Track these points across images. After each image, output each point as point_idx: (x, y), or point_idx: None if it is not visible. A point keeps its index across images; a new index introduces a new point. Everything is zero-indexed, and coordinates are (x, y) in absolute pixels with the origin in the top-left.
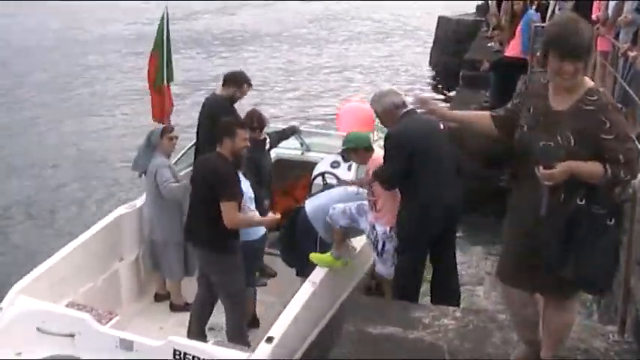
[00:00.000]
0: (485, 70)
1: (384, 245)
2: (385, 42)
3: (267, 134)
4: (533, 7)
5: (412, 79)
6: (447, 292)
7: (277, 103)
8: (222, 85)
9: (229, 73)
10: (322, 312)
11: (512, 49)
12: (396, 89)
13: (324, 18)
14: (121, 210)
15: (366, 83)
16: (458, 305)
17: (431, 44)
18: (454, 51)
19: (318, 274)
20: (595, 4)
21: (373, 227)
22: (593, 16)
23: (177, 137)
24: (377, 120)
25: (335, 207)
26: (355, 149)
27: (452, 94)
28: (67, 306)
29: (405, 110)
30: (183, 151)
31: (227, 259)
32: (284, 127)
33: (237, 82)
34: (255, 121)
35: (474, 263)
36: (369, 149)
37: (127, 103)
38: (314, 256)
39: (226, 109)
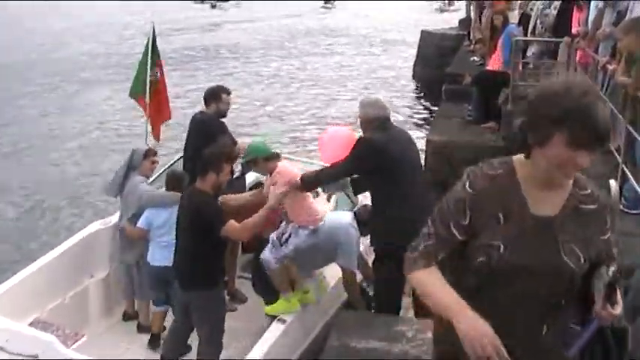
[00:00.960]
0: (468, 84)
1: (289, 237)
2: (368, 55)
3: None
4: (515, 20)
5: (396, 92)
6: None
7: (262, 122)
8: (205, 104)
9: (206, 91)
10: (293, 351)
11: (494, 63)
12: (384, 102)
13: (306, 33)
14: (95, 226)
15: (348, 97)
16: None
17: (414, 58)
18: (437, 65)
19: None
20: (575, 17)
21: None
22: (574, 30)
23: (157, 162)
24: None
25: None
26: (255, 160)
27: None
28: (32, 323)
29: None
30: (165, 167)
31: (210, 296)
32: None
33: (214, 95)
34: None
35: None
36: (269, 158)
37: (104, 120)
38: (268, 310)
39: (216, 125)
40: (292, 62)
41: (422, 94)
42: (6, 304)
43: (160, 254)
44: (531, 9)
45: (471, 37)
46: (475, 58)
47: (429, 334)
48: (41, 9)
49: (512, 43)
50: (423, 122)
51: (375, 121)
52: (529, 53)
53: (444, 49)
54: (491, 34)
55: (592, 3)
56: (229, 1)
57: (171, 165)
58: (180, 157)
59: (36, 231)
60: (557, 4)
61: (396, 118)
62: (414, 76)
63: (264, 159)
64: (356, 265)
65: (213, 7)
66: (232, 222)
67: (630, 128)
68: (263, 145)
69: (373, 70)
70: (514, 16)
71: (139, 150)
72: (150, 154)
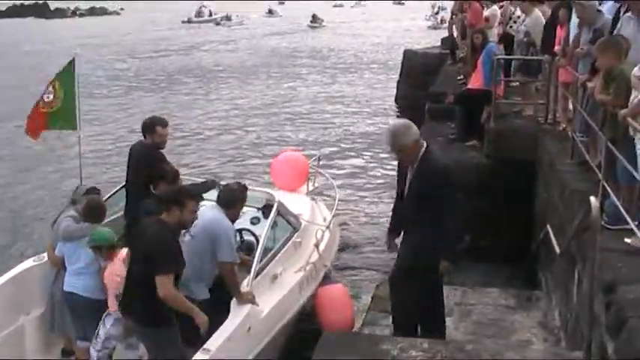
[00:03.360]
0: (450, 103)
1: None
2: (350, 75)
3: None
4: (494, 38)
5: (378, 111)
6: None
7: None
8: (143, 136)
9: (143, 123)
10: None
11: (475, 82)
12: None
13: (289, 53)
14: (29, 262)
15: (330, 118)
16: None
17: (397, 77)
18: (420, 84)
19: (214, 342)
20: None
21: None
22: (556, 48)
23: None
24: (311, 170)
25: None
26: (99, 247)
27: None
28: None
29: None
30: (109, 195)
31: (163, 333)
32: (203, 179)
33: (148, 129)
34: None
35: (445, 294)
36: (112, 248)
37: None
38: None
39: (154, 156)
40: (266, 85)
41: (405, 113)
42: None
43: (69, 280)
44: (511, 26)
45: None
46: (460, 77)
47: (414, 353)
48: None
49: (492, 61)
50: None
51: (420, 141)
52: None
53: (426, 67)
54: (471, 52)
55: (572, 21)
56: (233, 20)
57: (114, 194)
58: (122, 187)
59: None
60: (528, 21)
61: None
62: (396, 95)
63: (107, 248)
64: (236, 256)
65: (218, 24)
66: (169, 278)
67: (610, 145)
68: (109, 234)
69: (355, 89)
70: (493, 34)
71: (81, 188)
72: (92, 192)
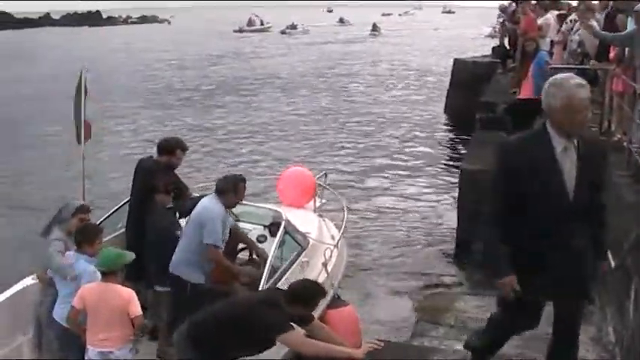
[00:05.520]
0: (502, 113)
1: None
2: (399, 86)
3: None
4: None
5: (428, 122)
6: None
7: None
8: (157, 153)
9: (162, 142)
10: None
11: (525, 91)
12: None
13: (343, 61)
14: (28, 281)
15: (378, 129)
16: None
17: (447, 87)
18: (470, 93)
19: None
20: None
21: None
22: (611, 55)
23: (88, 219)
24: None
25: None
26: (113, 272)
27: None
28: None
29: None
30: (114, 209)
31: None
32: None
33: (169, 150)
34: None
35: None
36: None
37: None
38: None
39: (162, 174)
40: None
41: (455, 123)
42: None
43: (58, 310)
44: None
45: (507, 64)
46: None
47: None
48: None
49: (543, 70)
50: (456, 151)
51: None
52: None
53: (477, 77)
54: (522, 61)
55: (628, 28)
56: (298, 29)
57: (118, 209)
58: (127, 202)
59: None
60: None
61: (430, 146)
62: (446, 105)
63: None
64: (219, 240)
65: (283, 32)
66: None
67: None
68: (117, 257)
69: (404, 99)
70: (546, 43)
71: (70, 205)
72: (82, 210)
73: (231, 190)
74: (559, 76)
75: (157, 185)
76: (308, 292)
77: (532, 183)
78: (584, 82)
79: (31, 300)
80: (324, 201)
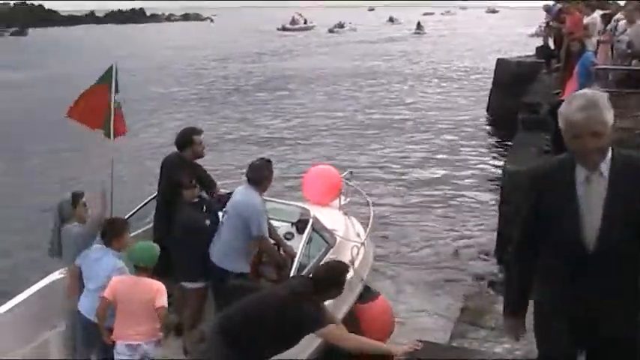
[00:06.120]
0: (545, 114)
1: None
2: (441, 85)
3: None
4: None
5: (470, 122)
6: None
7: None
8: (178, 149)
9: (177, 137)
10: None
11: (569, 92)
12: None
13: (384, 60)
14: (55, 275)
15: (417, 127)
16: None
17: (489, 87)
18: (513, 93)
19: None
20: None
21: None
22: None
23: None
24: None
25: None
26: (145, 268)
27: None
28: None
29: None
30: (141, 205)
31: None
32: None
33: (186, 141)
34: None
35: None
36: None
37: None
38: None
39: (187, 168)
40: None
41: (497, 123)
42: None
43: (84, 303)
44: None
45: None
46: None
47: None
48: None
49: (588, 71)
50: (498, 152)
51: None
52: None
53: (520, 77)
54: (567, 61)
55: None
56: (346, 26)
57: (145, 204)
58: (154, 197)
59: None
60: (630, 30)
61: (471, 146)
62: (488, 106)
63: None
64: (265, 230)
65: (331, 31)
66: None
67: None
68: (154, 254)
69: (445, 99)
70: (592, 43)
71: (65, 201)
72: (79, 196)
73: (265, 178)
74: (578, 92)
75: (182, 181)
76: (335, 274)
77: (544, 222)
78: (592, 103)
79: (58, 294)
80: (349, 199)
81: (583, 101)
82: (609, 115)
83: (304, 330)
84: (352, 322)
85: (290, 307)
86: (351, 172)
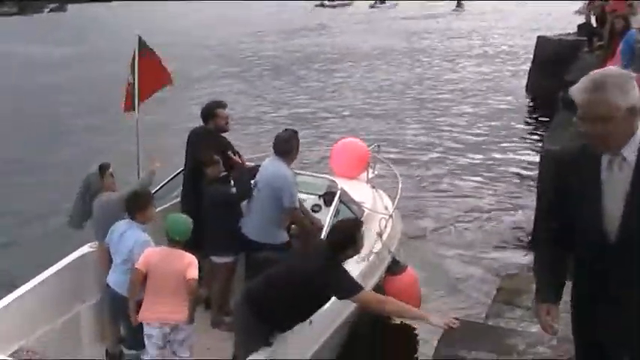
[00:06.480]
0: None
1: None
2: (479, 61)
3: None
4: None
5: (508, 100)
6: None
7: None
8: (203, 122)
9: (202, 110)
10: None
11: None
12: None
13: (419, 37)
14: (85, 249)
15: (452, 104)
16: None
17: (528, 66)
18: (554, 72)
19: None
20: None
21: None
22: None
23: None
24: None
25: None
26: (178, 242)
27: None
28: (17, 352)
29: None
30: (168, 179)
31: None
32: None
33: (210, 113)
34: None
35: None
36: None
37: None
38: None
39: (211, 143)
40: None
41: (537, 102)
42: None
43: (112, 276)
44: None
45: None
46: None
47: (541, 349)
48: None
49: (633, 49)
50: (536, 131)
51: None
52: None
53: (561, 55)
54: (610, 39)
55: None
56: (387, 2)
57: (173, 178)
58: (181, 171)
59: (24, 254)
60: None
61: (510, 126)
62: (527, 84)
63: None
64: (296, 201)
65: (372, 7)
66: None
67: None
68: (184, 226)
69: (484, 77)
70: (637, 21)
71: (92, 173)
72: (105, 167)
73: (293, 148)
74: (590, 73)
75: (204, 159)
76: (348, 232)
77: (572, 210)
78: (597, 85)
79: (88, 268)
80: (376, 172)
81: (587, 83)
82: (621, 98)
83: (337, 296)
84: (380, 294)
85: (317, 275)
86: (378, 146)
